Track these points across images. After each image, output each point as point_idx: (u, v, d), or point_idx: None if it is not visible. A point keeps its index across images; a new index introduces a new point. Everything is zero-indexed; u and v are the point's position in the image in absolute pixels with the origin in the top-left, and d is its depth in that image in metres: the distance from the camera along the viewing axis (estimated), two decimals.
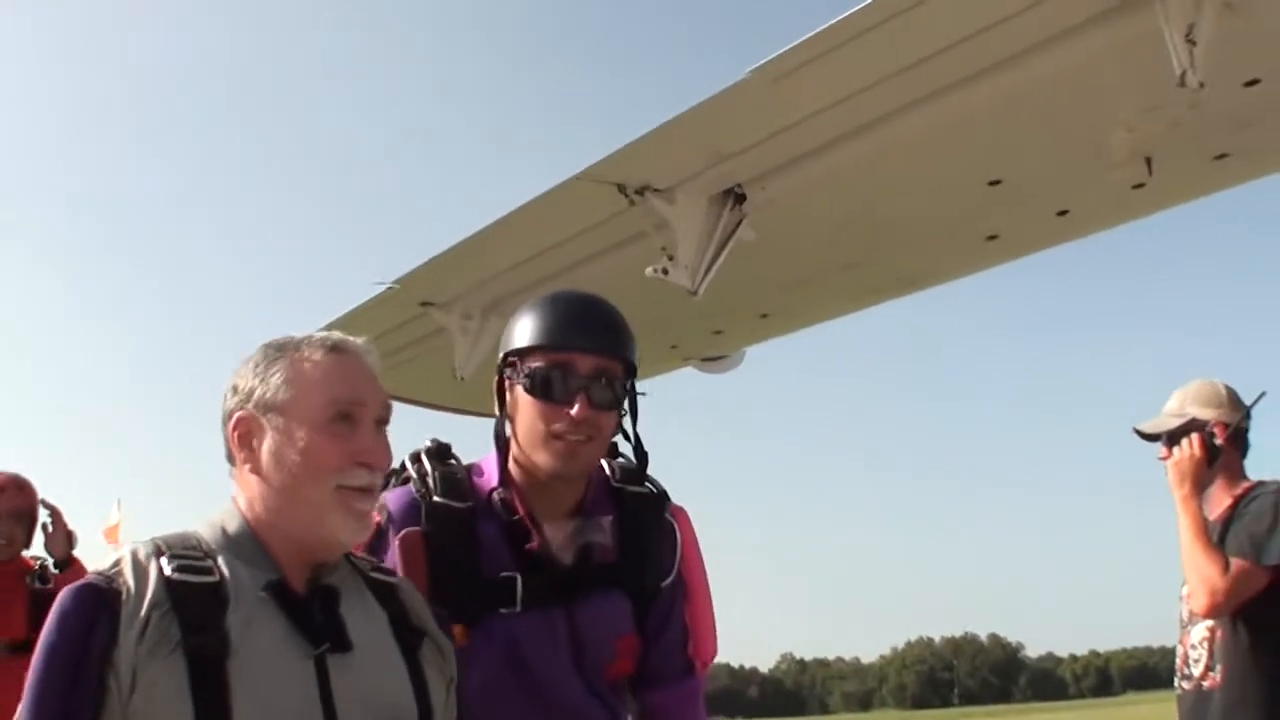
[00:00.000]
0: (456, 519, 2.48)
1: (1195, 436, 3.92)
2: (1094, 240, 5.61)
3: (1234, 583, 3.72)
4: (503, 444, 2.57)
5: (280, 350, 2.10)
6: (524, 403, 2.49)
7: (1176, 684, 4.03)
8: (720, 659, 2.92)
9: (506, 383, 2.55)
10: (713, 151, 4.68)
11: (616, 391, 2.49)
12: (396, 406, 2.19)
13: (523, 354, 2.50)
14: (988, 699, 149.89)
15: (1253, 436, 4.03)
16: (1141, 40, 3.66)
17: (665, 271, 4.87)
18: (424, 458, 2.58)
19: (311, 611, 2.00)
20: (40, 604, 4.99)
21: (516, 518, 2.51)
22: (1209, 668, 3.88)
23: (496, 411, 2.59)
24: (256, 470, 2.05)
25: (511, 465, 2.56)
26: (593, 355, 2.47)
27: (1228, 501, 3.93)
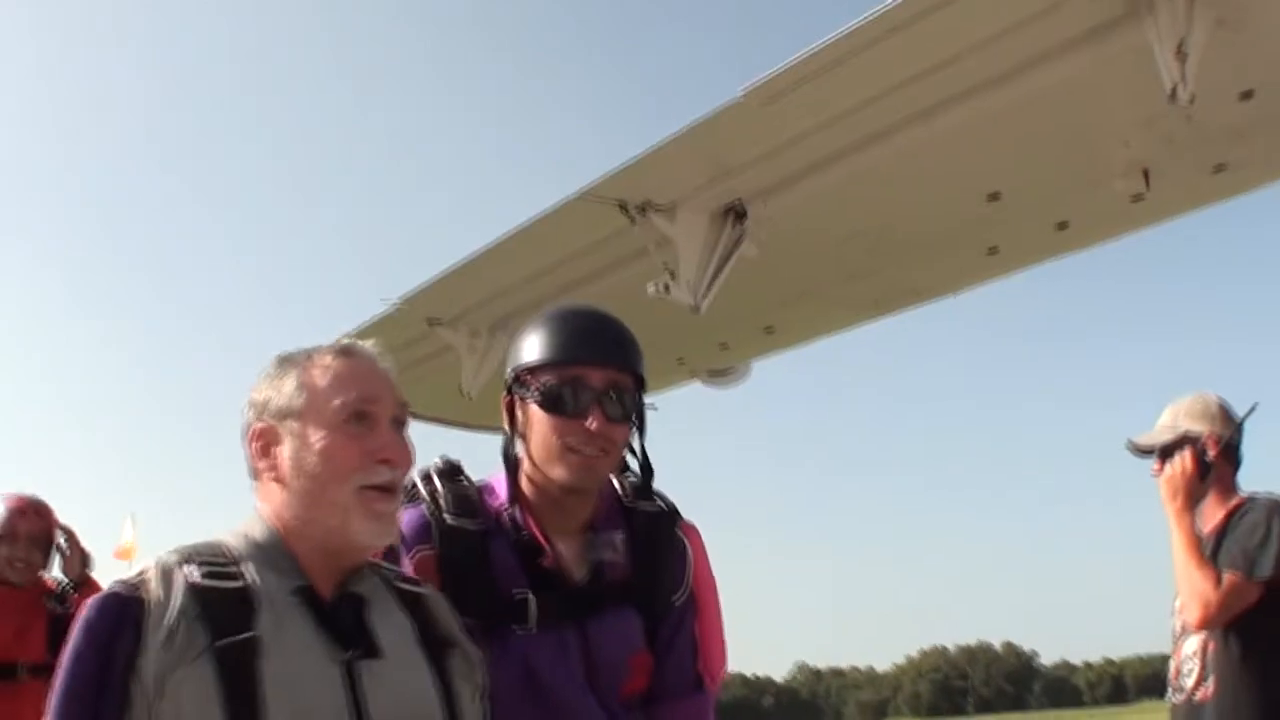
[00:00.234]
0: (469, 539, 2.46)
1: (1188, 451, 3.93)
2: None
3: (1226, 596, 3.74)
4: (511, 462, 2.55)
5: (291, 360, 2.11)
6: (537, 418, 2.46)
7: (1169, 696, 4.05)
8: (735, 668, 2.89)
9: (517, 400, 2.53)
10: (713, 168, 4.73)
11: (629, 404, 2.48)
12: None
13: (534, 370, 2.47)
14: (1002, 707, 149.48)
15: (1245, 449, 4.05)
16: (1134, 55, 3.71)
17: (667, 288, 4.91)
18: (435, 477, 2.56)
19: (340, 617, 2.00)
20: (59, 627, 5.03)
21: (529, 535, 2.49)
22: (1201, 679, 3.89)
23: (506, 430, 2.58)
24: (278, 478, 2.05)
25: (523, 483, 2.54)
26: (604, 369, 2.45)
27: (1220, 515, 3.94)
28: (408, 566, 2.43)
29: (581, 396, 2.42)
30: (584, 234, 5.17)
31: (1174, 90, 3.56)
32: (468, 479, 2.59)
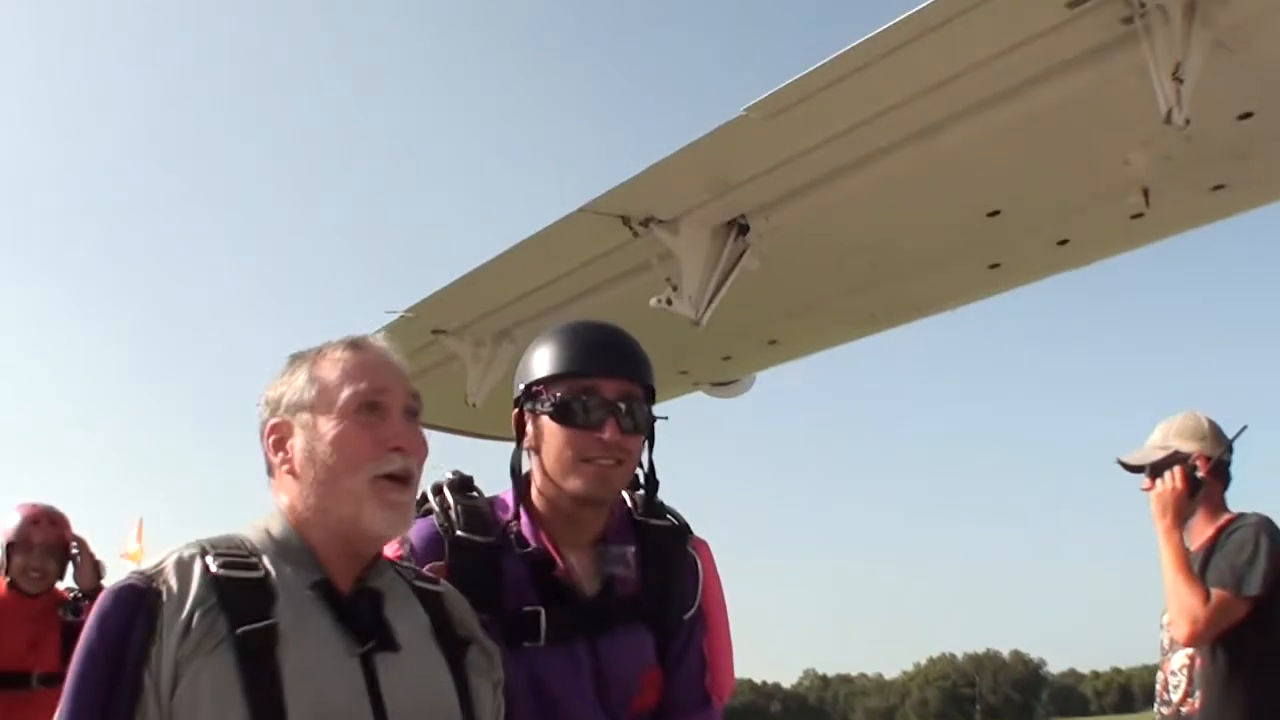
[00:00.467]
0: (480, 553, 2.46)
1: (1178, 469, 3.99)
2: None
3: (1215, 613, 3.79)
4: (519, 476, 2.56)
5: (302, 356, 2.14)
6: (551, 431, 2.47)
7: (1156, 709, 4.11)
8: (743, 674, 2.89)
9: (527, 414, 2.53)
10: (716, 183, 4.76)
11: (641, 416, 2.48)
12: None
13: (546, 383, 2.48)
14: (1010, 715, 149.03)
15: (1234, 468, 4.09)
16: (1134, 75, 3.73)
17: (669, 302, 4.94)
18: (446, 490, 2.56)
19: (358, 611, 2.01)
20: (72, 636, 5.05)
21: (540, 549, 2.49)
22: (1188, 693, 3.95)
23: (515, 444, 2.58)
24: (292, 471, 2.06)
25: (535, 496, 2.54)
26: (617, 380, 2.46)
27: (1209, 533, 3.99)
28: None
29: (596, 408, 2.43)
30: (587, 247, 5.21)
31: (1169, 113, 3.58)
32: (479, 493, 2.59)
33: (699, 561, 2.66)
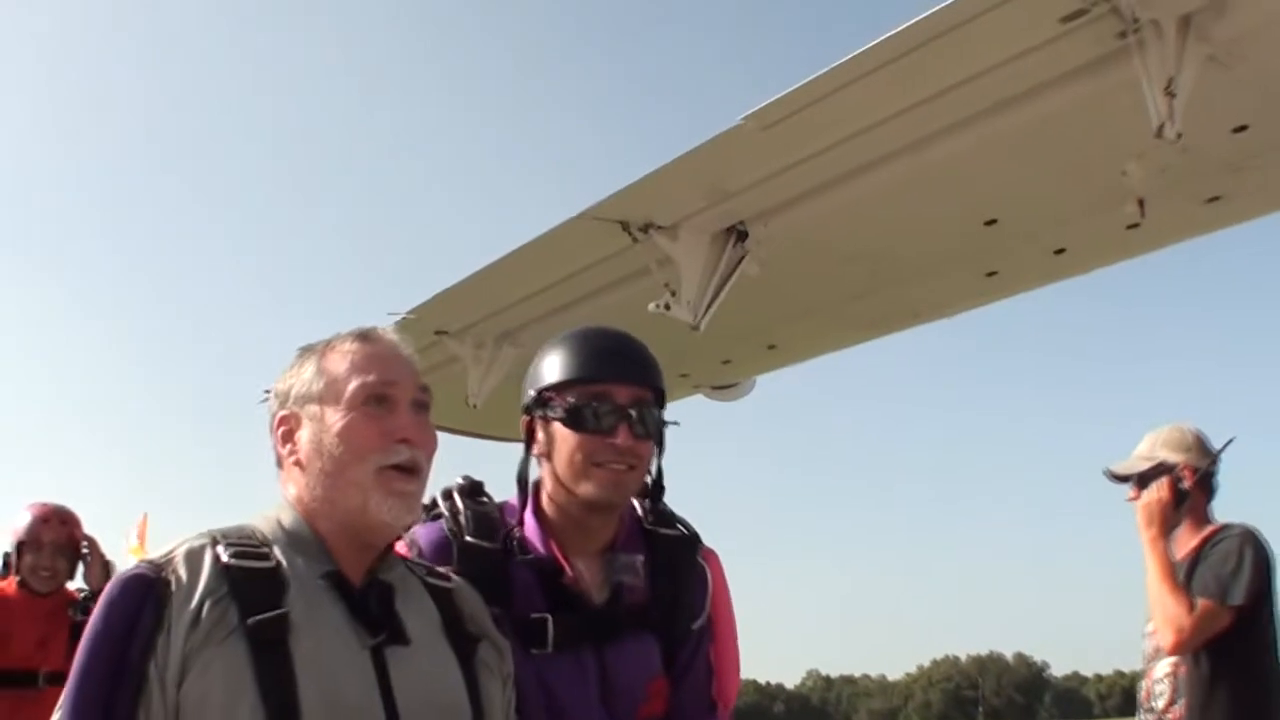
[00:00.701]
0: (488, 559, 2.43)
1: (1164, 480, 4.03)
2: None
3: (1200, 622, 3.85)
4: (525, 483, 2.55)
5: (311, 348, 2.13)
6: (562, 436, 2.44)
7: (1139, 717, 4.15)
8: (747, 675, 2.88)
9: (538, 420, 2.51)
10: (715, 190, 4.81)
11: (652, 421, 2.46)
12: None
13: (558, 389, 2.46)
14: (1012, 717, 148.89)
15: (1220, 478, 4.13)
16: (1128, 87, 3.76)
17: (667, 307, 4.98)
18: (456, 495, 2.53)
19: (368, 604, 1.99)
20: (80, 636, 5.05)
21: (548, 556, 2.47)
22: (1172, 701, 4.00)
23: (524, 451, 2.57)
24: (300, 463, 2.05)
25: (545, 503, 2.52)
26: (630, 385, 2.45)
27: (1194, 543, 4.04)
28: None
29: (608, 413, 2.41)
30: (588, 252, 5.26)
31: (1161, 128, 3.61)
32: (489, 498, 2.58)
33: (708, 571, 2.65)
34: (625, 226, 4.96)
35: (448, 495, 2.54)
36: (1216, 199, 4.74)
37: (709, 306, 5.02)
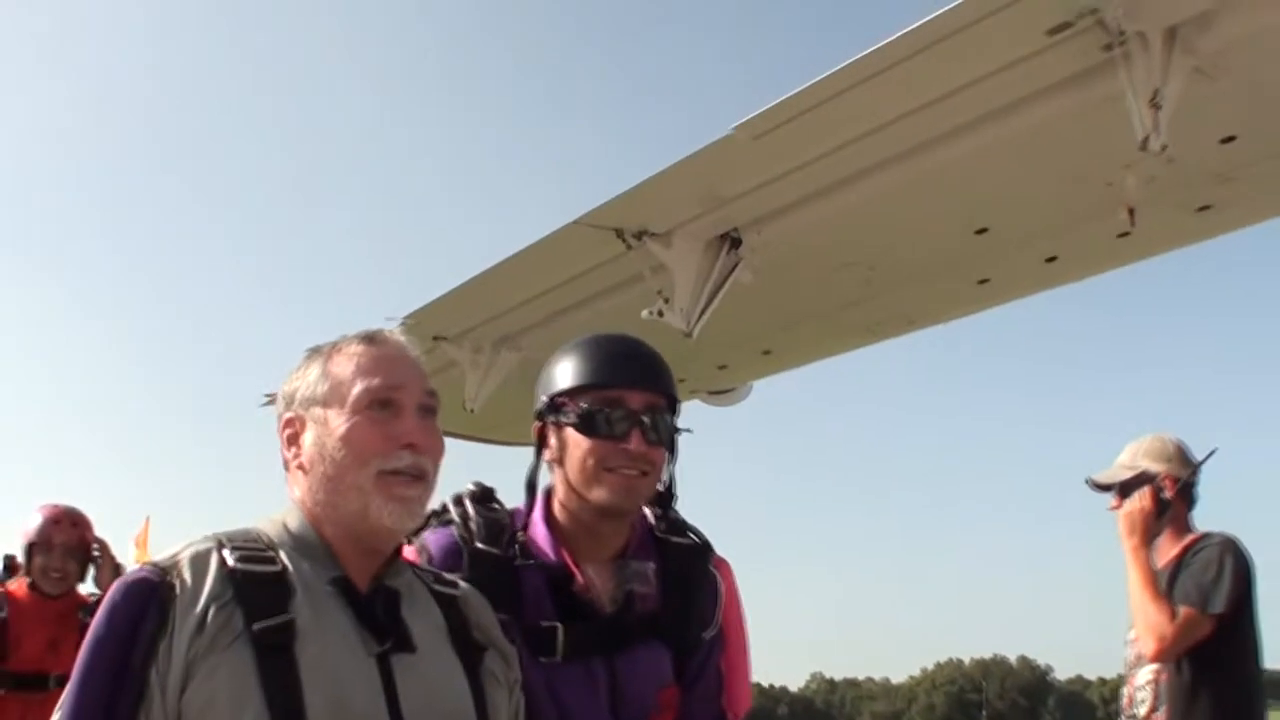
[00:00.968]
0: (497, 566, 2.41)
1: (1146, 490, 4.07)
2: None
3: (1181, 629, 3.88)
4: (534, 489, 2.53)
5: (318, 350, 2.09)
6: (575, 441, 2.42)
7: None
8: (751, 677, 2.86)
9: (550, 426, 2.48)
10: (708, 198, 4.85)
11: (665, 428, 2.43)
12: None
13: (570, 394, 2.43)
14: None
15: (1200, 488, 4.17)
16: (1116, 100, 3.79)
17: (661, 314, 5.02)
18: (466, 501, 2.51)
19: (375, 610, 1.96)
20: None
21: (558, 563, 2.44)
22: (1154, 708, 4.03)
23: (534, 457, 2.55)
24: (304, 466, 2.01)
25: (557, 510, 2.50)
26: (643, 391, 2.41)
27: (1174, 551, 4.07)
28: None
29: (621, 419, 2.39)
30: (583, 258, 5.31)
31: (1145, 140, 3.64)
32: (500, 505, 2.57)
33: (720, 580, 2.64)
34: (620, 233, 5.00)
35: (458, 501, 2.53)
36: (1207, 208, 4.77)
37: (702, 313, 5.05)
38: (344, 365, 2.02)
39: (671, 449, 2.48)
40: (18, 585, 5.48)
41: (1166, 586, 3.97)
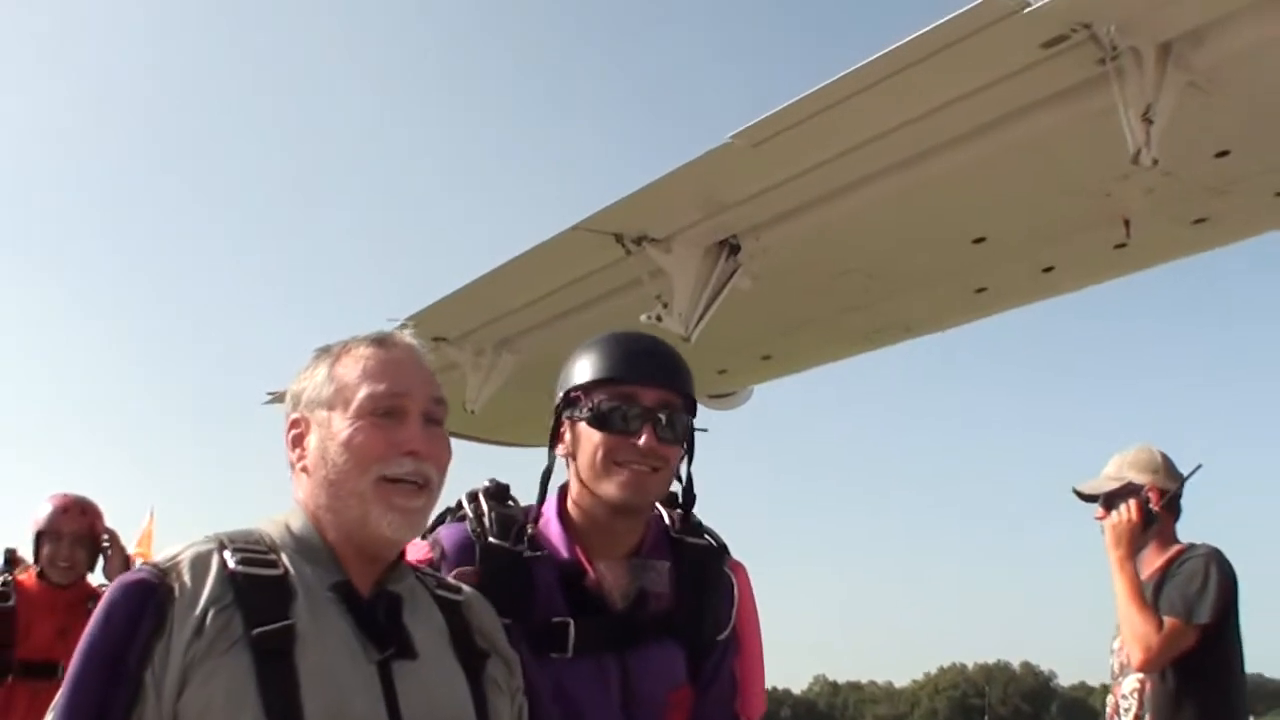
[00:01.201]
0: (510, 561, 2.39)
1: (1132, 501, 4.09)
2: None
3: (1167, 640, 3.92)
4: (547, 483, 2.54)
5: (327, 351, 2.06)
6: (587, 436, 2.41)
7: None
8: (764, 682, 2.85)
9: (565, 421, 2.48)
10: (708, 204, 4.89)
11: (679, 426, 2.42)
12: None
13: (586, 389, 2.43)
14: None
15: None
16: (1111, 113, 3.82)
17: (659, 318, 5.05)
18: (481, 497, 2.50)
19: (376, 616, 1.93)
20: None
21: (570, 559, 2.44)
22: (1139, 716, 4.07)
23: (549, 452, 2.53)
24: (307, 469, 1.98)
25: (570, 506, 2.49)
26: (657, 388, 2.41)
27: (1159, 562, 4.11)
28: None
29: (634, 415, 2.38)
30: (583, 263, 5.34)
31: (1138, 154, 3.68)
32: (515, 502, 2.57)
33: (735, 583, 2.62)
34: (619, 238, 5.04)
35: (473, 497, 2.52)
36: (1203, 220, 4.80)
37: (700, 319, 5.08)
38: (350, 368, 1.99)
39: (689, 449, 2.48)
40: (27, 575, 5.45)
41: (1152, 597, 4.00)
